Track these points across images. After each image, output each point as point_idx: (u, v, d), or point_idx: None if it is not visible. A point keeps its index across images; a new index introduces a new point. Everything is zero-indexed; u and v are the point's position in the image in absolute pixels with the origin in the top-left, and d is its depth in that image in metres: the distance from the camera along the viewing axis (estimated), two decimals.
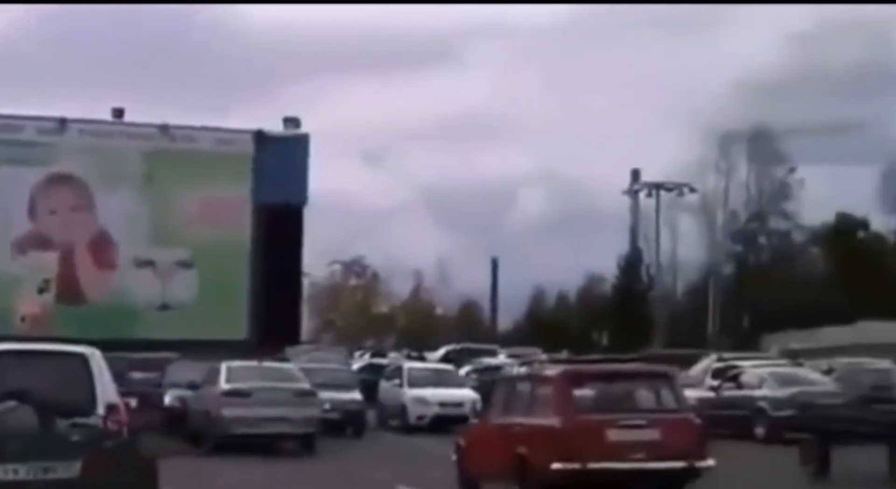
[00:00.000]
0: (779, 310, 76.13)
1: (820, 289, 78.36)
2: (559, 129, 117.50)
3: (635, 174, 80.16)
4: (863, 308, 73.08)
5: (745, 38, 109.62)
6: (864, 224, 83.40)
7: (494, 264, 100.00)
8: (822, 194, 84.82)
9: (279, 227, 41.19)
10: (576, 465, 14.14)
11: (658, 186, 76.28)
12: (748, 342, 70.43)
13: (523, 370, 18.06)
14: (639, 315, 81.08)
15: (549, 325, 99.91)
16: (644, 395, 15.17)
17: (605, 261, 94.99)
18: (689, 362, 42.56)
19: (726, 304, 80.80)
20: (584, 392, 14.97)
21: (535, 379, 15.72)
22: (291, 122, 42.50)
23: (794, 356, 45.35)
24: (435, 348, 60.25)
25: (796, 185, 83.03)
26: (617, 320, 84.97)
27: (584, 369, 15.93)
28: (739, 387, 29.69)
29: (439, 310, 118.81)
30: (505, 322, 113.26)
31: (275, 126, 42.97)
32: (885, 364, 32.40)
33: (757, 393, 28.54)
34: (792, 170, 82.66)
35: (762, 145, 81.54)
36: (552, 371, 15.47)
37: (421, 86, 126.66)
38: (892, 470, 18.26)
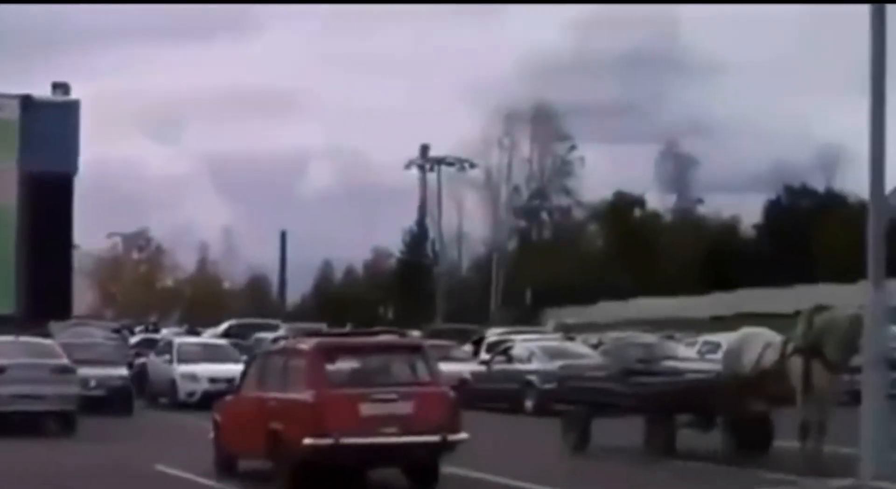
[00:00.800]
0: (560, 285, 77.51)
1: (599, 266, 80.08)
2: (350, 105, 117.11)
3: (424, 150, 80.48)
4: (638, 284, 75.11)
5: (530, 21, 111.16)
6: (640, 202, 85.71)
7: (283, 238, 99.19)
8: (602, 172, 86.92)
9: (48, 196, 39.74)
10: (328, 441, 13.84)
11: (439, 161, 76.68)
12: (531, 317, 71.53)
13: (279, 343, 17.62)
14: (423, 289, 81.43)
15: (336, 299, 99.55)
16: (397, 368, 14.95)
17: (392, 236, 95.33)
18: (469, 337, 42.92)
19: (510, 279, 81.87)
20: (337, 365, 14.67)
21: (289, 352, 15.34)
22: (60, 87, 41.04)
23: (568, 330, 46.08)
24: (221, 323, 59.32)
25: (577, 163, 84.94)
26: (402, 294, 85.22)
27: (336, 342, 15.51)
28: (510, 360, 29.93)
29: (227, 284, 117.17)
30: (294, 296, 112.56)
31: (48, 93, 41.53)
32: (650, 338, 33.07)
33: (526, 366, 28.83)
34: (573, 147, 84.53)
35: (544, 123, 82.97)
36: (304, 344, 15.05)
37: (211, 57, 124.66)
38: (647, 441, 18.57)
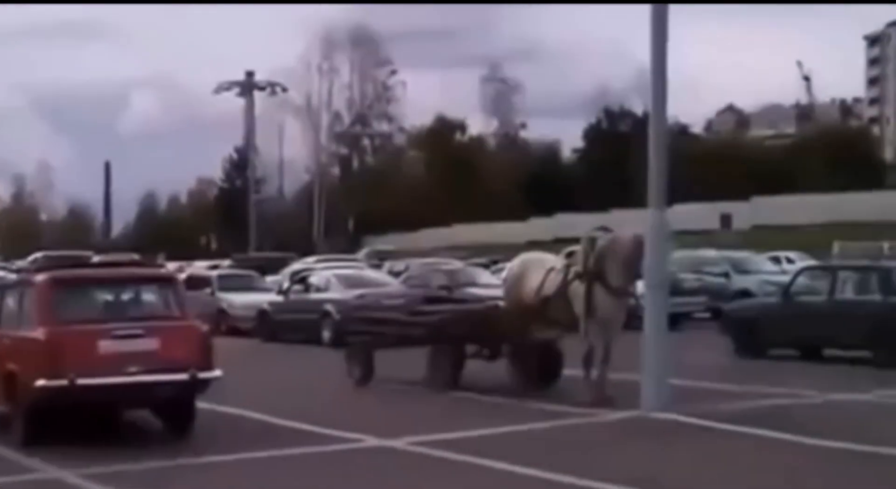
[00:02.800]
0: (383, 212, 76.78)
1: (422, 192, 79.47)
2: (172, 35, 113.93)
3: (249, 76, 78.75)
4: (461, 210, 74.75)
5: None
6: (461, 127, 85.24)
7: (107, 168, 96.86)
8: (425, 97, 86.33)
9: None
10: (62, 382, 12.58)
11: (251, 86, 74.90)
12: (354, 245, 70.81)
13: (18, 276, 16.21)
14: (245, 218, 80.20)
15: (159, 230, 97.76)
16: (144, 302, 13.71)
17: (216, 164, 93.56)
18: (280, 266, 41.76)
19: (333, 207, 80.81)
20: (74, 299, 13.35)
21: (23, 285, 13.96)
22: None
23: (382, 258, 45.33)
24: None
25: (398, 88, 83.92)
26: (224, 223, 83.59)
27: (72, 274, 14.14)
28: (307, 290, 28.82)
29: (44, 216, 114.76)
30: (120, 227, 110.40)
31: None
32: (455, 264, 32.47)
33: (323, 296, 27.73)
34: (393, 72, 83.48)
35: (364, 48, 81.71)
36: (37, 276, 13.69)
37: None
38: (431, 372, 17.77)
